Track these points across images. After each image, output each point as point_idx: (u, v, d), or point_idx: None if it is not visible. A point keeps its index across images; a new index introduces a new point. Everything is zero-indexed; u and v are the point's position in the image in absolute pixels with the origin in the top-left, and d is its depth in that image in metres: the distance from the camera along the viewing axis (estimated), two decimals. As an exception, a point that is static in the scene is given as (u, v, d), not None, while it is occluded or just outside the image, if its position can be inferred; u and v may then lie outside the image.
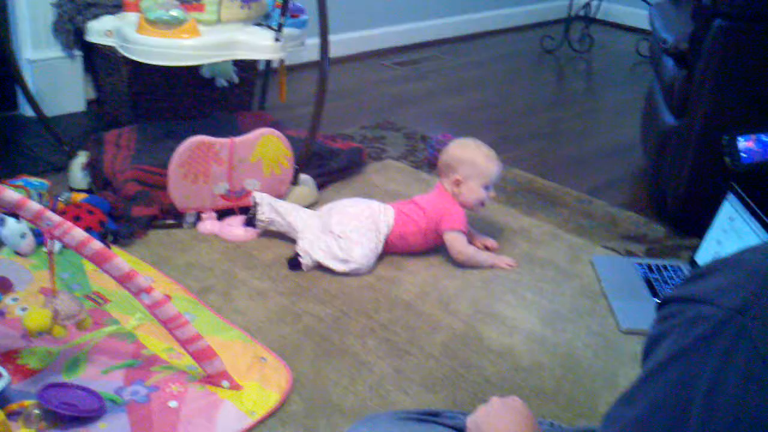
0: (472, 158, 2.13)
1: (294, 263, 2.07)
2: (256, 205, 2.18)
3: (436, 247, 2.17)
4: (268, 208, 2.17)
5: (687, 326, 0.63)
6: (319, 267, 2.07)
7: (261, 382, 1.61)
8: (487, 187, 2.14)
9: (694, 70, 2.20)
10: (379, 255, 2.10)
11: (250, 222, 2.20)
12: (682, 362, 0.62)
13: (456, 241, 2.11)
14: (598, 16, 4.51)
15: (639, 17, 4.54)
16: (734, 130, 1.36)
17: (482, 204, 2.17)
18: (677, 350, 0.63)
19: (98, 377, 1.59)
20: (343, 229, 2.07)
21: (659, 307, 0.69)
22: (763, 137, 1.35)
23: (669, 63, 2.39)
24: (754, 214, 1.85)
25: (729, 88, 2.16)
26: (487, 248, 2.22)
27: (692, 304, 0.64)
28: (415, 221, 2.13)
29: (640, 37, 4.30)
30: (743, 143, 1.36)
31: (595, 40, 4.38)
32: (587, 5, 4.36)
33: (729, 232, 1.97)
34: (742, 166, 1.37)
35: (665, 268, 2.12)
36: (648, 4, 3.87)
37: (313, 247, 2.07)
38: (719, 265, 0.66)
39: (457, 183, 2.13)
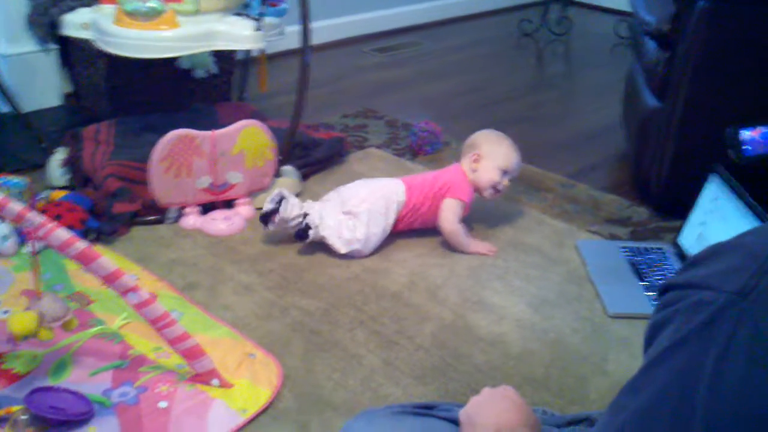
0: (494, 142, 2.21)
1: (301, 234, 2.07)
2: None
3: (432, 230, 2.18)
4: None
5: (689, 312, 0.63)
6: (315, 248, 2.06)
7: (251, 379, 1.59)
8: (504, 173, 2.17)
9: (677, 52, 2.20)
10: (385, 238, 2.12)
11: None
12: (686, 349, 0.62)
13: (450, 208, 2.14)
14: (576, -2, 4.52)
15: (616, -2, 4.55)
16: (737, 123, 1.36)
17: (495, 188, 2.19)
18: (680, 337, 0.63)
19: (86, 380, 1.57)
20: (354, 210, 2.08)
21: (660, 293, 0.69)
22: (766, 129, 1.36)
23: (651, 45, 2.39)
24: (739, 194, 1.85)
25: (712, 70, 2.16)
26: None
27: (693, 289, 0.64)
28: (425, 190, 2.16)
29: (618, 18, 4.29)
30: (746, 135, 1.36)
31: (574, 22, 4.37)
32: (564, -13, 4.36)
33: (714, 212, 1.98)
34: (746, 159, 1.37)
35: (649, 250, 2.13)
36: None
37: (323, 221, 2.07)
38: (719, 250, 0.65)
39: (477, 159, 2.18)
